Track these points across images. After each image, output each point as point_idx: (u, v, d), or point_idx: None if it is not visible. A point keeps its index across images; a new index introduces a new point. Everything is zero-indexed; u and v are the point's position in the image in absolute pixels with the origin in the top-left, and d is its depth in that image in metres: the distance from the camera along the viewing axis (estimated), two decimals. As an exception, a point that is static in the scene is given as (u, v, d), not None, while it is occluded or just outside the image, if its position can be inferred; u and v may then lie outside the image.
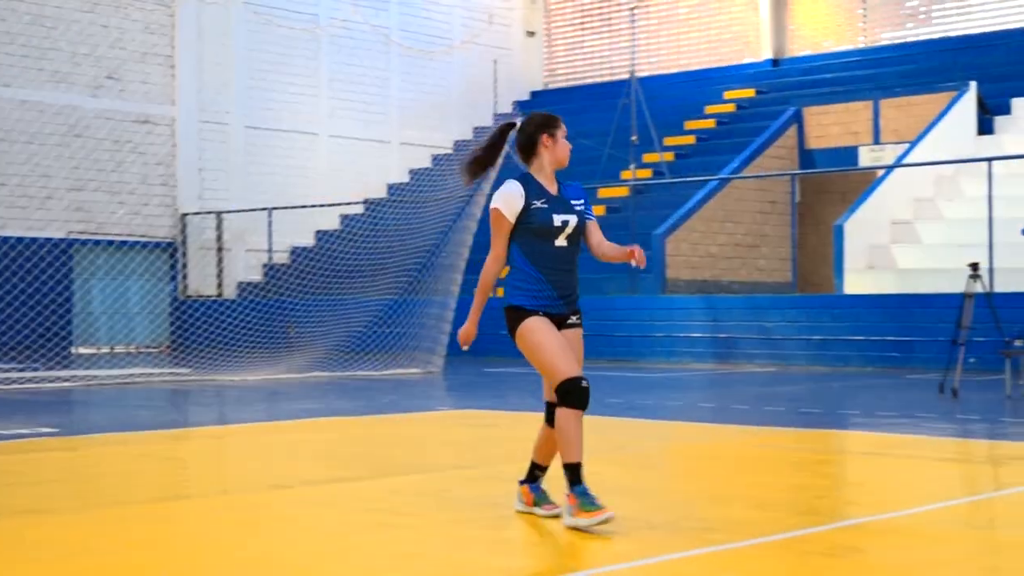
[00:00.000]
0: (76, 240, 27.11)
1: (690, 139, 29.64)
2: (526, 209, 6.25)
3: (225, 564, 5.38)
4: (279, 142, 30.88)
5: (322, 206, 29.33)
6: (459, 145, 31.52)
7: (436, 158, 32.41)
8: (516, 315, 6.29)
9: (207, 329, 24.86)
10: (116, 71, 27.92)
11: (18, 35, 26.45)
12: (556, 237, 6.27)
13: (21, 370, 19.48)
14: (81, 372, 19.16)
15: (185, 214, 28.92)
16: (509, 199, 6.26)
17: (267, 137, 30.66)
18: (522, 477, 6.59)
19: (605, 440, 10.13)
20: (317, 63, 31.73)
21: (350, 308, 22.48)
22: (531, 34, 36.95)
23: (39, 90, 26.67)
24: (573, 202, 6.37)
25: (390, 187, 31.86)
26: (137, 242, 28.06)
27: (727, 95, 31.50)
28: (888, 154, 26.61)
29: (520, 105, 34.59)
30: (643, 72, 33.35)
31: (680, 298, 22.71)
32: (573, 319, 6.39)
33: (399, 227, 25.04)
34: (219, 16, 29.81)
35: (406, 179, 32.02)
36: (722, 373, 19.50)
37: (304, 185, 30.92)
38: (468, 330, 6.44)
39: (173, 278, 28.73)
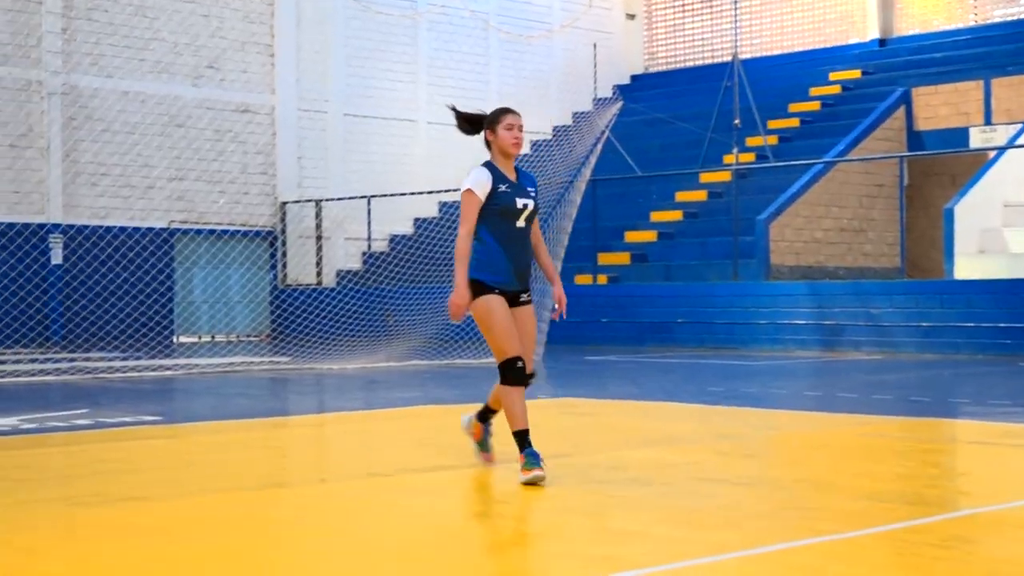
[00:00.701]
0: (177, 229, 27.54)
1: (794, 122, 29.29)
2: (493, 192, 7.12)
3: (324, 552, 5.41)
4: (377, 129, 31.07)
5: (421, 193, 29.47)
6: (558, 131, 31.49)
7: (535, 144, 32.36)
8: (477, 287, 7.18)
9: (306, 317, 25.13)
10: (216, 60, 28.29)
11: (120, 26, 26.91)
12: (517, 218, 7.19)
13: (124, 359, 19.85)
14: (182, 361, 19.47)
15: (285, 203, 29.23)
16: (480, 181, 7.13)
17: (365, 124, 30.87)
18: (479, 411, 7.74)
19: (708, 428, 10.06)
20: (415, 49, 31.86)
21: (449, 295, 22.51)
22: (631, 17, 36.76)
23: (141, 80, 27.11)
24: (528, 190, 7.26)
25: (489, 174, 31.87)
26: (237, 231, 28.43)
27: (832, 76, 31.08)
28: (1000, 135, 26.06)
29: (620, 89, 34.45)
30: (746, 54, 33.02)
31: (784, 284, 22.47)
32: (524, 296, 7.35)
33: (498, 214, 25.03)
34: (318, 4, 30.06)
35: (505, 165, 32.02)
36: (827, 361, 19.25)
37: (403, 172, 31.10)
38: (463, 296, 7.14)
39: (273, 267, 29.07)
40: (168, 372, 17.31)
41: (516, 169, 7.30)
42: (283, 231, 29.23)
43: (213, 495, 6.84)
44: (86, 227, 25.99)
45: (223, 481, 7.39)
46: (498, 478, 7.34)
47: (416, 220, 30.48)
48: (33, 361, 19.59)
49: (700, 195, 27.38)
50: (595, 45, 34.78)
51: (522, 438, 7.10)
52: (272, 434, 10.56)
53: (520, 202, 7.17)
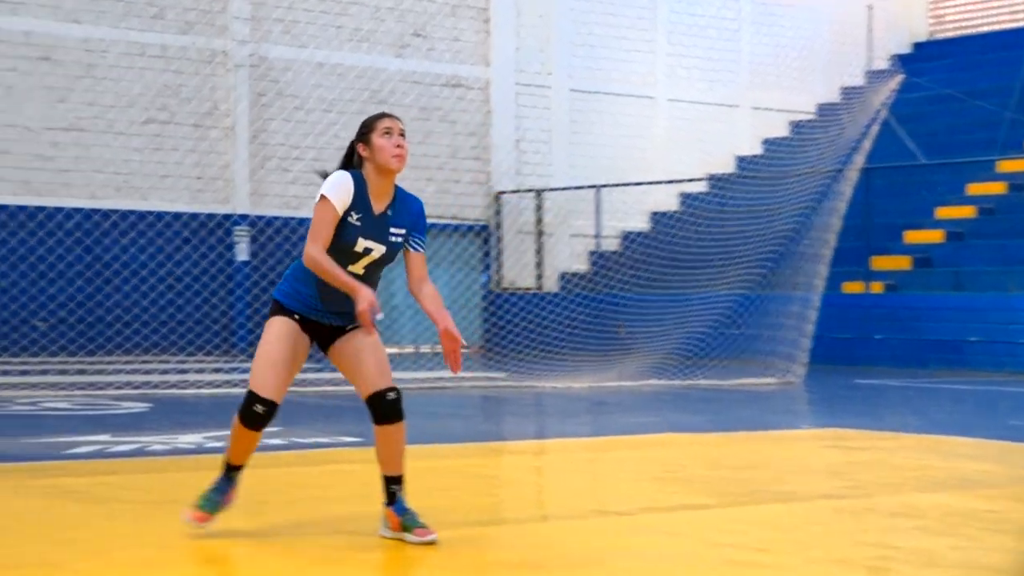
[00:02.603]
0: (378, 223, 28.04)
1: (1119, 99, 28.30)
2: (343, 217, 6.45)
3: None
4: (608, 108, 31.13)
5: (659, 183, 29.43)
6: (823, 109, 31.07)
7: (795, 125, 32.05)
8: (274, 310, 6.66)
9: (525, 327, 25.33)
10: (423, 28, 28.75)
11: (315, -11, 27.60)
12: (353, 262, 6.51)
13: (318, 371, 20.33)
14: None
15: (500, 193, 29.53)
16: (340, 190, 6.45)
17: (595, 102, 30.96)
18: (384, 500, 6.67)
19: (1010, 470, 9.80)
20: (654, 14, 31.83)
21: (692, 304, 22.47)
22: (914, -27, 36.04)
23: (338, 51, 27.74)
24: (393, 230, 6.55)
25: (739, 160, 31.67)
26: (446, 225, 28.82)
27: None
28: None
29: (900, 60, 33.74)
30: (1056, 16, 32.01)
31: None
32: (349, 327, 6.68)
33: (750, 208, 24.84)
34: (541, -39, 30.32)
35: (758, 150, 31.77)
36: None
37: (637, 158, 31.08)
38: (368, 294, 6.40)
39: (486, 267, 29.40)
40: (367, 387, 17.62)
41: (396, 193, 6.61)
42: (498, 226, 29.53)
43: (422, 530, 6.95)
44: (276, 219, 26.70)
45: (432, 515, 7.47)
46: (752, 522, 7.28)
47: (653, 214, 30.46)
48: (217, 370, 20.27)
49: (998, 187, 26.66)
50: (870, 7, 34.16)
51: (230, 472, 6.75)
52: (486, 462, 10.68)
53: (363, 244, 6.49)
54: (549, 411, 15.44)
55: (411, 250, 6.62)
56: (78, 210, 24.76)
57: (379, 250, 6.53)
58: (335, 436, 11.61)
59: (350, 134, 24.83)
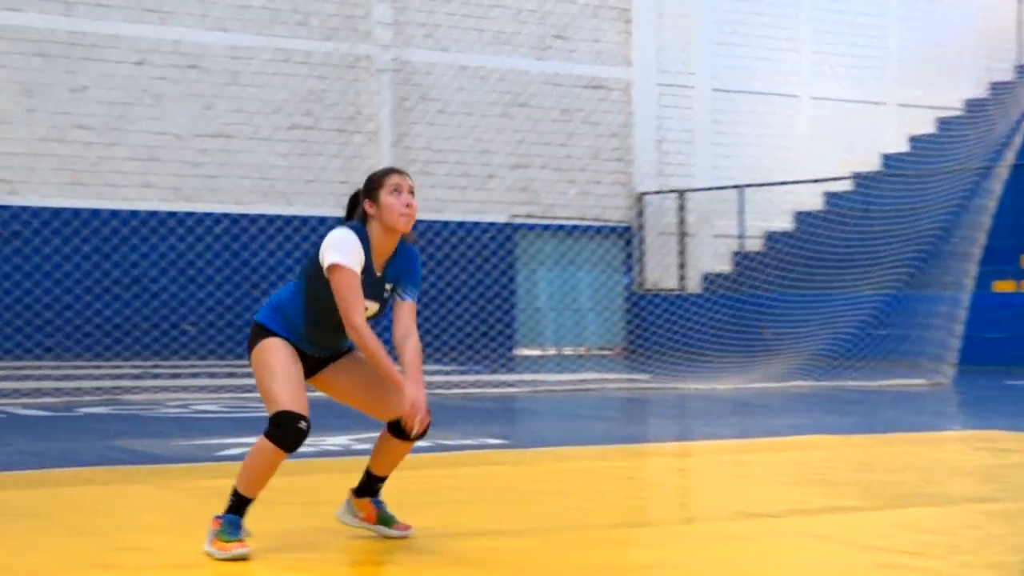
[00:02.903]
0: (520, 225, 28.20)
1: None
2: None
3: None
4: (751, 107, 30.95)
5: (803, 182, 29.17)
6: (971, 105, 30.56)
7: (943, 122, 31.56)
8: (261, 333, 6.31)
9: (668, 328, 25.27)
10: (565, 29, 28.80)
11: (457, -8, 27.79)
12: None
13: (462, 372, 20.48)
14: (527, 376, 19.92)
15: (642, 194, 29.48)
16: (355, 254, 6.17)
17: (737, 101, 30.79)
18: (355, 486, 6.66)
19: None
20: (797, 10, 31.57)
21: (837, 305, 22.27)
22: (1066, -36, 35.31)
23: (480, 54, 27.90)
24: (386, 286, 6.32)
25: (885, 158, 31.27)
26: (588, 227, 28.86)
27: None
28: None
29: (1051, 54, 33.15)
30: None
31: None
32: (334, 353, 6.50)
33: (897, 207, 24.55)
34: (682, -39, 30.21)
35: (905, 148, 31.36)
36: None
37: (781, 158, 30.86)
38: (416, 389, 6.13)
39: (629, 269, 29.36)
40: (512, 389, 17.75)
41: (397, 249, 6.35)
42: (641, 227, 29.49)
43: (567, 532, 6.97)
44: (419, 222, 26.57)
45: (578, 516, 7.52)
46: (904, 525, 7.19)
47: (797, 214, 30.20)
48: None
49: None
50: (1020, 0, 33.54)
51: (239, 503, 6.16)
52: (630, 464, 10.68)
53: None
54: (693, 413, 15.41)
55: (399, 299, 6.34)
56: (226, 215, 25.21)
57: (373, 308, 6.32)
58: (480, 438, 11.68)
59: (493, 136, 25.05)
